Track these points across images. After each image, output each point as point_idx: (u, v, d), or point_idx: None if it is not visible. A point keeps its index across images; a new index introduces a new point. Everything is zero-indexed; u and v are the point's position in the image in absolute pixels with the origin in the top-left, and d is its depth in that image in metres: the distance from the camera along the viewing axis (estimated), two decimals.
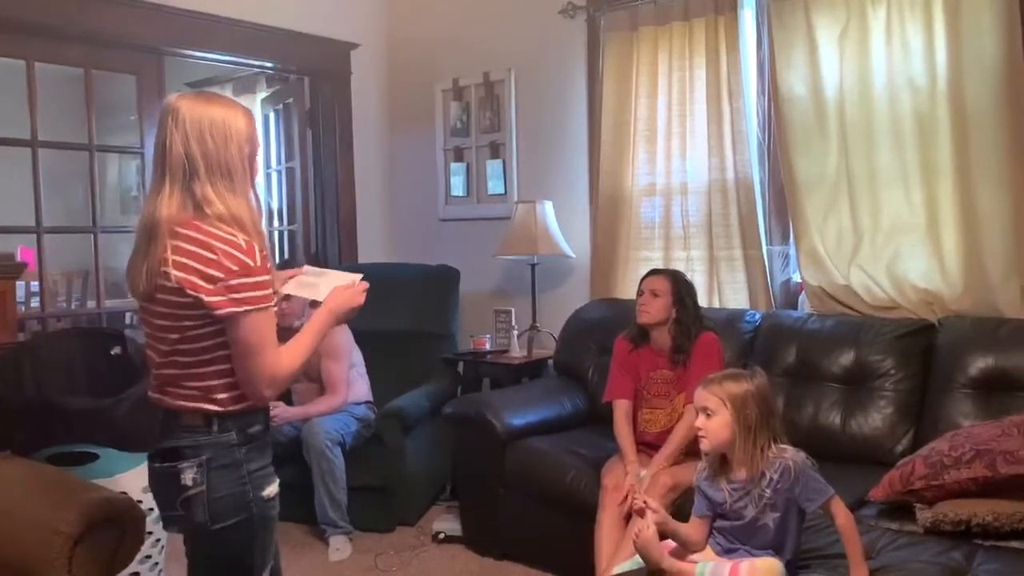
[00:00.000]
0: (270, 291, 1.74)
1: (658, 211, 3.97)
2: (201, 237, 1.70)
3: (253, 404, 1.79)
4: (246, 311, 1.69)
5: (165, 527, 1.86)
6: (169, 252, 1.69)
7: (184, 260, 1.68)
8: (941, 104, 3.16)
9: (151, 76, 4.28)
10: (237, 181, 1.78)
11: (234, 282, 1.68)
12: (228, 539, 1.79)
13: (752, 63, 3.71)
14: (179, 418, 1.77)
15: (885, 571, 2.15)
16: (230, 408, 1.77)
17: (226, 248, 1.69)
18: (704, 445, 2.25)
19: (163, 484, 1.79)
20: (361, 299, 1.95)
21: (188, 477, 1.75)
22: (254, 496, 1.81)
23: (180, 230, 1.71)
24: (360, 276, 1.97)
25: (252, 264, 1.70)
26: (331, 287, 1.95)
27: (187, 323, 1.71)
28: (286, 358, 1.77)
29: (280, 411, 3.67)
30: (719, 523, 2.29)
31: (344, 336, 3.88)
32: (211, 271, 1.67)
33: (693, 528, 2.33)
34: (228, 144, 1.76)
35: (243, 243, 1.71)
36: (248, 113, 1.84)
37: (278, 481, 1.89)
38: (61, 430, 2.67)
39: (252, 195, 1.82)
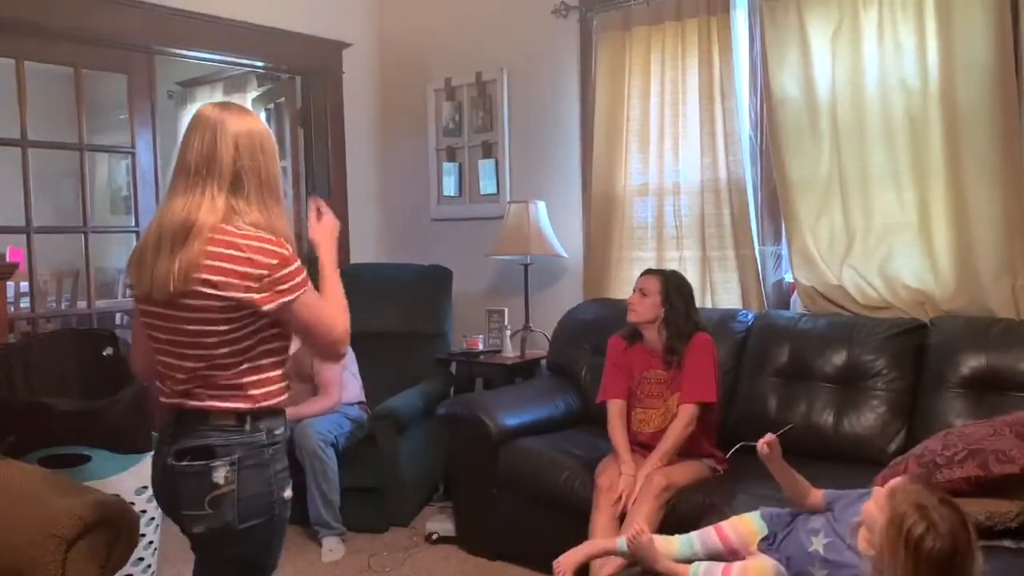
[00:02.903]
0: (305, 272, 1.80)
1: (651, 211, 3.97)
2: (236, 240, 1.73)
3: (279, 403, 1.85)
4: (295, 297, 1.75)
5: (187, 528, 1.83)
6: (205, 258, 1.70)
7: (222, 264, 1.70)
8: (933, 104, 3.18)
9: (141, 75, 4.27)
10: (279, 196, 1.86)
11: (278, 275, 1.73)
12: (252, 538, 1.82)
13: (745, 63, 3.72)
14: (207, 417, 1.78)
15: None
16: (261, 404, 1.80)
17: (260, 245, 1.73)
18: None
19: (189, 483, 1.78)
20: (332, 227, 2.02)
21: (220, 475, 1.76)
22: (277, 496, 1.84)
23: (215, 236, 1.73)
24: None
25: (287, 253, 1.76)
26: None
27: (224, 327, 1.73)
28: (336, 310, 1.85)
29: None
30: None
31: None
32: (254, 270, 1.71)
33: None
34: (274, 159, 1.84)
35: (271, 237, 1.76)
36: None
37: (291, 483, 1.92)
38: (53, 432, 2.65)
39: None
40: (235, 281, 1.70)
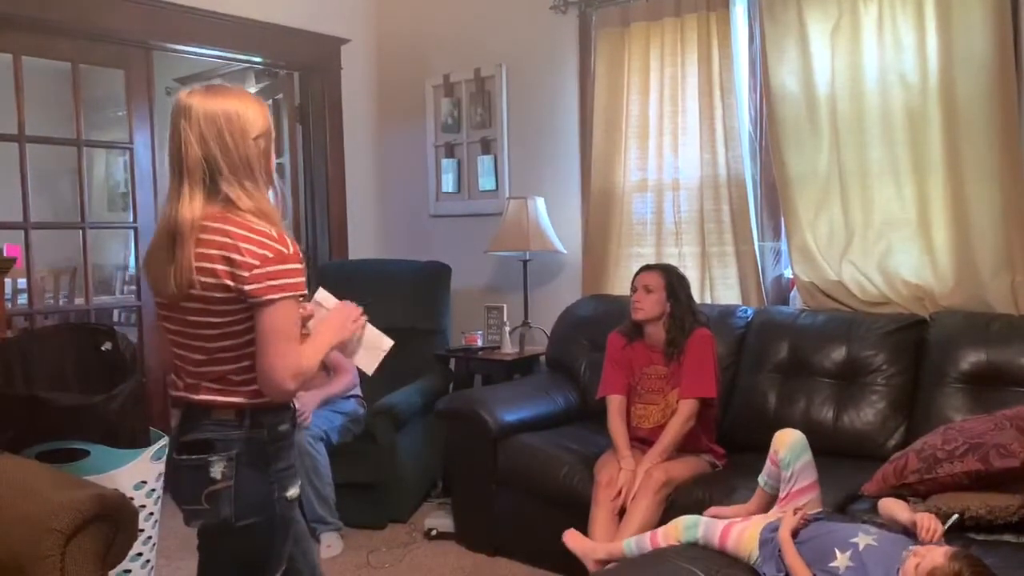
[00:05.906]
0: (303, 280, 1.74)
1: (650, 207, 3.97)
2: (232, 229, 1.69)
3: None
4: (282, 297, 1.69)
5: (187, 522, 1.83)
6: (200, 249, 1.69)
7: (218, 252, 1.68)
8: (932, 100, 3.18)
9: (139, 71, 4.24)
10: (257, 176, 1.77)
11: (271, 268, 1.68)
12: (251, 537, 1.79)
13: (744, 59, 3.72)
14: (209, 412, 1.77)
15: None
16: (261, 400, 1.76)
17: (258, 238, 1.69)
18: None
19: (188, 477, 1.77)
20: (358, 325, 1.95)
21: (217, 471, 1.74)
22: (279, 495, 1.81)
23: (209, 224, 1.70)
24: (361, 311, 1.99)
25: (286, 251, 1.71)
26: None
27: (228, 319, 1.71)
28: (308, 351, 1.77)
29: (304, 400, 3.60)
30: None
31: None
32: (248, 259, 1.67)
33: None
34: (246, 139, 1.75)
35: (274, 233, 1.72)
36: (262, 103, 1.82)
37: (299, 482, 1.89)
38: (51, 427, 2.64)
39: (272, 190, 1.82)
40: (237, 271, 1.68)
